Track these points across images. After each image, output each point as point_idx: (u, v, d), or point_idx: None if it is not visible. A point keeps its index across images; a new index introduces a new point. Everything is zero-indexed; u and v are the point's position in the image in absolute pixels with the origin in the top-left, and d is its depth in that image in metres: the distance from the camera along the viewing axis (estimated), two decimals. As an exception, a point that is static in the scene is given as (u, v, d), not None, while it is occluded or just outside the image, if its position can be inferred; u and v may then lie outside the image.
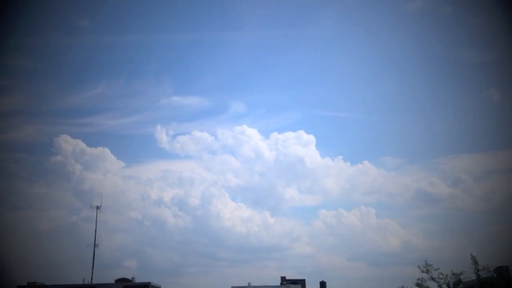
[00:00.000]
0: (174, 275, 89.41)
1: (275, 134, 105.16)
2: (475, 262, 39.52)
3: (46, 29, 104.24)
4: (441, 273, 39.24)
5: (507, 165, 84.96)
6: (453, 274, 39.99)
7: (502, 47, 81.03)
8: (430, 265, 39.18)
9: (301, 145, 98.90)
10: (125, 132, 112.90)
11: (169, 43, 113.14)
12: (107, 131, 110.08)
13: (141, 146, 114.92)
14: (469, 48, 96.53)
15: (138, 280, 64.69)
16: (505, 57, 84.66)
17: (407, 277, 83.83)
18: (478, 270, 39.16)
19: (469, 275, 46.65)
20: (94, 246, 54.36)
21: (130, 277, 67.95)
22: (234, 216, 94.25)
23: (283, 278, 53.60)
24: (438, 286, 39.41)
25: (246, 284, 54.43)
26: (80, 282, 59.07)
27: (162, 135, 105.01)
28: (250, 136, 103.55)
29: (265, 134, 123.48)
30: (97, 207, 55.00)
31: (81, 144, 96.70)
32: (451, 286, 39.29)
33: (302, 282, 53.35)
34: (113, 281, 65.14)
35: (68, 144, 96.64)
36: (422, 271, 38.88)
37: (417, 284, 38.64)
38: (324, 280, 55.92)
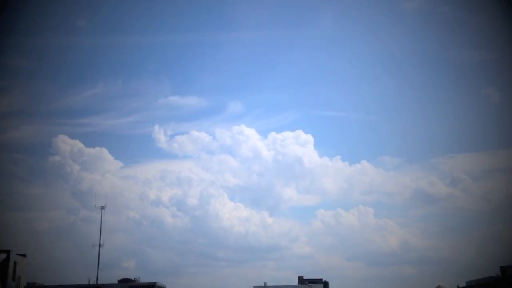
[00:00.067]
0: (173, 275, 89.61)
1: (273, 133, 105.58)
2: None
3: (45, 29, 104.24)
4: None
5: (506, 164, 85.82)
6: None
7: (500, 46, 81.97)
8: None
9: (299, 144, 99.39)
10: (123, 132, 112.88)
11: (167, 43, 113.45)
12: (105, 131, 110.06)
13: (139, 146, 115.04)
14: (468, 48, 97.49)
15: (142, 280, 64.65)
16: (504, 57, 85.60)
17: (406, 277, 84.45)
18: None
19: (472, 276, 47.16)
20: (99, 246, 54.29)
21: (130, 277, 68.00)
22: (232, 216, 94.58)
23: (300, 278, 53.10)
24: None
25: (262, 284, 54.57)
26: (82, 282, 59.01)
27: (160, 135, 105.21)
28: (248, 136, 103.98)
29: (263, 134, 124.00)
30: (102, 207, 54.98)
31: (79, 145, 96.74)
32: None
33: (320, 281, 53.01)
34: (115, 281, 65.15)
35: (66, 144, 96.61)
36: None
37: None
38: (327, 280, 56.09)
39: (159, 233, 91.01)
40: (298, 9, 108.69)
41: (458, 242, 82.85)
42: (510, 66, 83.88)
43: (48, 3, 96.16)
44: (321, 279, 51.73)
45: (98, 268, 54.49)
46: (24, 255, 37.49)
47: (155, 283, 58.17)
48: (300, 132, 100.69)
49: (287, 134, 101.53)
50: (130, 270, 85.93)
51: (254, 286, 56.26)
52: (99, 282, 57.60)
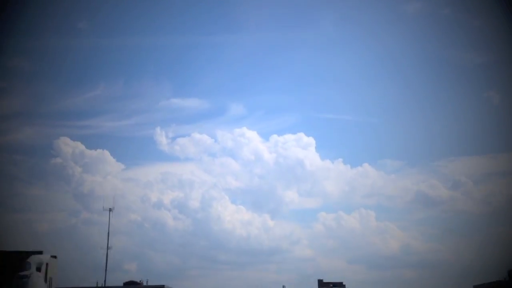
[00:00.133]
0: (174, 278, 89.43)
1: (274, 136, 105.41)
2: None
3: (45, 30, 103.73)
4: None
5: (507, 167, 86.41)
6: None
7: (502, 48, 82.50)
8: None
9: (301, 147, 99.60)
10: (125, 134, 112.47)
11: (168, 45, 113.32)
12: (106, 133, 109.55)
13: (140, 148, 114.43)
14: (469, 50, 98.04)
15: (146, 283, 64.72)
16: (505, 59, 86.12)
17: (406, 280, 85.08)
18: None
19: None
20: (107, 249, 54.71)
21: (133, 280, 68.06)
22: (234, 218, 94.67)
23: (320, 281, 53.29)
24: None
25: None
26: (88, 284, 59.08)
27: (161, 137, 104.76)
28: (250, 139, 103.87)
29: (265, 136, 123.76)
30: (110, 210, 55.36)
31: (80, 146, 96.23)
32: None
33: (340, 284, 53.30)
34: (120, 284, 65.22)
35: (68, 146, 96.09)
36: None
37: None
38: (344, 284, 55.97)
39: (161, 236, 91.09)
40: (299, 11, 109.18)
41: (458, 245, 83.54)
42: (511, 68, 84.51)
43: (49, 3, 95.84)
44: (341, 283, 52.11)
45: (106, 270, 54.76)
46: (55, 257, 37.89)
47: (163, 286, 58.44)
48: (301, 135, 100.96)
49: (289, 137, 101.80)
50: (132, 272, 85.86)
51: None
52: (107, 285, 57.79)
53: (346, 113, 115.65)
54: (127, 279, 67.74)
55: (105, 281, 56.12)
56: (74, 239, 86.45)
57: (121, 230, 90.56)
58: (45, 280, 35.35)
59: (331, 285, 51.75)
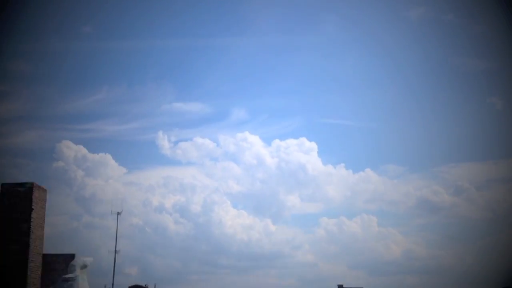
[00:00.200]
0: (175, 282, 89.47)
1: (277, 141, 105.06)
2: None
3: (47, 33, 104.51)
4: None
5: (510, 173, 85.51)
6: None
7: (505, 55, 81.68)
8: None
9: (303, 152, 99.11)
10: (127, 138, 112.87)
11: (171, 48, 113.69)
12: (109, 137, 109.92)
13: (143, 152, 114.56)
14: (472, 56, 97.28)
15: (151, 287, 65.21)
16: (508, 65, 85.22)
17: (408, 286, 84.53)
18: None
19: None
20: (115, 252, 55.14)
21: (137, 284, 68.41)
22: (235, 223, 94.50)
23: (340, 286, 53.03)
24: None
25: None
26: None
27: (164, 141, 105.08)
28: (252, 143, 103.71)
29: (267, 141, 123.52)
30: (118, 213, 55.74)
31: (83, 150, 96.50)
32: None
33: None
34: (125, 288, 65.64)
35: (70, 150, 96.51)
36: None
37: None
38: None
39: (162, 240, 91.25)
40: (302, 14, 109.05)
41: (461, 250, 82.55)
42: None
43: (50, 6, 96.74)
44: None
45: (113, 274, 55.16)
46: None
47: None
48: (304, 140, 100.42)
49: (291, 142, 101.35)
50: (132, 276, 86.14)
51: None
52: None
53: (349, 118, 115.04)
54: (131, 283, 68.17)
55: (113, 284, 56.62)
56: (75, 242, 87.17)
57: (122, 233, 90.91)
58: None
59: None
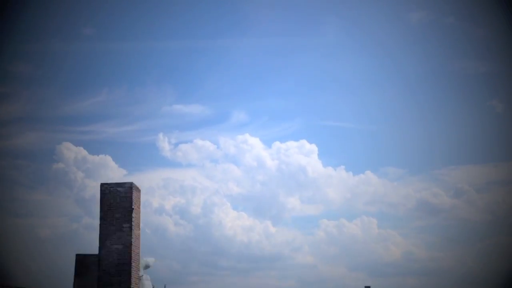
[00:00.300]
0: (175, 284, 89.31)
1: (277, 143, 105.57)
2: None
3: (48, 34, 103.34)
4: None
5: (510, 176, 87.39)
6: None
7: (506, 57, 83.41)
8: None
9: (303, 154, 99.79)
10: (127, 140, 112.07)
11: (171, 50, 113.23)
12: (109, 139, 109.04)
13: (143, 154, 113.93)
14: (473, 58, 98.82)
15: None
16: (508, 68, 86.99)
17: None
18: None
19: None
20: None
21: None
22: (235, 225, 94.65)
23: None
24: None
25: None
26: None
27: (164, 143, 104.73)
28: (252, 145, 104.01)
29: (267, 143, 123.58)
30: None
31: (83, 152, 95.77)
32: None
33: None
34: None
35: (70, 151, 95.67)
36: None
37: None
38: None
39: (162, 241, 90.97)
40: (303, 16, 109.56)
41: (460, 253, 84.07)
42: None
43: (50, 8, 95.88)
44: None
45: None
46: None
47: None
48: (304, 142, 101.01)
49: (291, 144, 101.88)
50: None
51: None
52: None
53: (349, 120, 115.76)
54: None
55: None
56: (76, 244, 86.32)
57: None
58: None
59: None
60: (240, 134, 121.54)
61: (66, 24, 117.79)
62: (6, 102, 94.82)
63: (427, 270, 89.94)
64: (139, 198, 18.57)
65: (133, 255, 17.45)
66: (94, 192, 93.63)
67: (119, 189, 17.83)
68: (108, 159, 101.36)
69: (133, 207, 17.71)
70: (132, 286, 17.13)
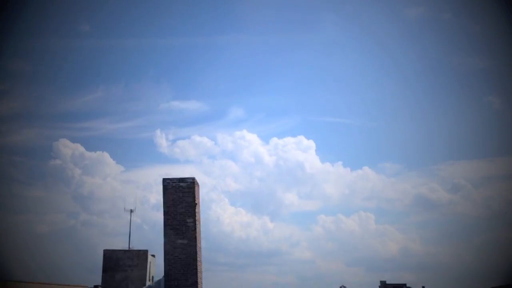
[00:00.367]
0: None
1: (274, 139, 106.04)
2: None
3: (45, 32, 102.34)
4: None
5: (507, 171, 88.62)
6: None
7: (503, 53, 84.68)
8: None
9: (301, 150, 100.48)
10: (125, 137, 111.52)
11: (168, 46, 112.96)
12: (106, 136, 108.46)
13: (140, 150, 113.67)
14: (470, 54, 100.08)
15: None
16: (506, 64, 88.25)
17: (405, 282, 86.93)
18: None
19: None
20: (129, 249, 55.14)
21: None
22: (233, 221, 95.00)
23: (383, 283, 52.96)
24: None
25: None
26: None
27: (161, 139, 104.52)
28: (250, 141, 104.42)
29: (265, 139, 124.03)
30: (131, 211, 55.39)
31: (80, 148, 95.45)
32: None
33: (404, 286, 53.01)
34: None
35: (67, 148, 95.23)
36: None
37: None
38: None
39: (160, 238, 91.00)
40: (300, 13, 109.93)
41: (458, 248, 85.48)
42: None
43: (49, 4, 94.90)
44: (405, 284, 52.19)
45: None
46: (153, 255, 38.03)
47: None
48: (301, 138, 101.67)
49: (289, 140, 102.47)
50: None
51: None
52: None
53: (346, 116, 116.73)
54: None
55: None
56: (74, 240, 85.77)
57: (119, 231, 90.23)
58: (149, 279, 35.72)
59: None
60: (237, 130, 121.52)
61: (63, 22, 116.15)
62: (3, 99, 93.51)
63: (424, 265, 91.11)
64: (199, 193, 18.59)
65: (197, 249, 17.48)
66: (91, 189, 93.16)
67: (181, 184, 17.84)
68: (105, 155, 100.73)
69: (196, 202, 17.74)
70: (198, 280, 17.16)
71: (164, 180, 17.99)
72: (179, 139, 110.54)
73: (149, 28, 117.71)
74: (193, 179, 18.01)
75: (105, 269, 34.35)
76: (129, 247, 54.87)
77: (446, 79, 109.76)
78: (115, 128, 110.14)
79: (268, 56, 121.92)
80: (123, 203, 57.29)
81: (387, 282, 51.15)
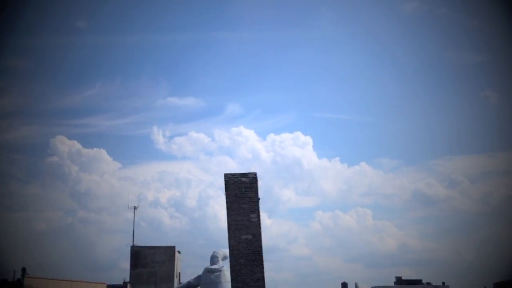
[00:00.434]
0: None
1: (271, 135, 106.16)
2: None
3: (43, 29, 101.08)
4: None
5: (505, 166, 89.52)
6: None
7: (499, 48, 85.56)
8: None
9: (298, 146, 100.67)
10: (122, 133, 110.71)
11: (165, 43, 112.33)
12: (103, 132, 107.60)
13: (137, 147, 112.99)
14: (467, 49, 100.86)
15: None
16: (502, 58, 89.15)
17: (421, 278, 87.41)
18: None
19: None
20: (133, 246, 54.66)
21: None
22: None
23: (398, 278, 53.19)
24: None
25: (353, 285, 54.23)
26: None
27: (158, 136, 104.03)
28: (247, 137, 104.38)
29: (262, 135, 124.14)
30: (134, 207, 54.99)
31: (77, 145, 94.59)
32: None
33: (420, 281, 53.09)
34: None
35: (64, 145, 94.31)
36: None
37: None
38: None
39: (157, 234, 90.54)
40: (297, 9, 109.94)
41: (456, 243, 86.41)
42: (509, 67, 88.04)
43: (47, 3, 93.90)
44: (421, 280, 52.45)
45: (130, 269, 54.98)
46: (179, 252, 37.83)
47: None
48: (299, 134, 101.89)
49: (286, 136, 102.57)
50: (127, 271, 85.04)
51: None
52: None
53: (344, 112, 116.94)
54: (127, 277, 67.23)
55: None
56: (71, 237, 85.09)
57: (117, 228, 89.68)
58: (176, 275, 35.46)
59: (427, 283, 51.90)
60: (234, 126, 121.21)
61: (60, 19, 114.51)
62: (0, 96, 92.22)
63: (423, 260, 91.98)
64: (259, 189, 18.54)
65: (261, 244, 17.45)
66: (89, 186, 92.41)
67: (243, 179, 17.79)
68: (102, 152, 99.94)
69: (259, 197, 17.69)
70: (263, 276, 17.14)
71: (226, 175, 17.92)
72: (176, 136, 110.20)
73: (146, 25, 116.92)
74: (255, 174, 17.98)
75: (133, 266, 34.12)
76: (132, 244, 54.53)
77: (443, 74, 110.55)
78: (112, 124, 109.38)
79: (264, 52, 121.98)
80: (126, 200, 56.95)
81: (402, 278, 51.53)
